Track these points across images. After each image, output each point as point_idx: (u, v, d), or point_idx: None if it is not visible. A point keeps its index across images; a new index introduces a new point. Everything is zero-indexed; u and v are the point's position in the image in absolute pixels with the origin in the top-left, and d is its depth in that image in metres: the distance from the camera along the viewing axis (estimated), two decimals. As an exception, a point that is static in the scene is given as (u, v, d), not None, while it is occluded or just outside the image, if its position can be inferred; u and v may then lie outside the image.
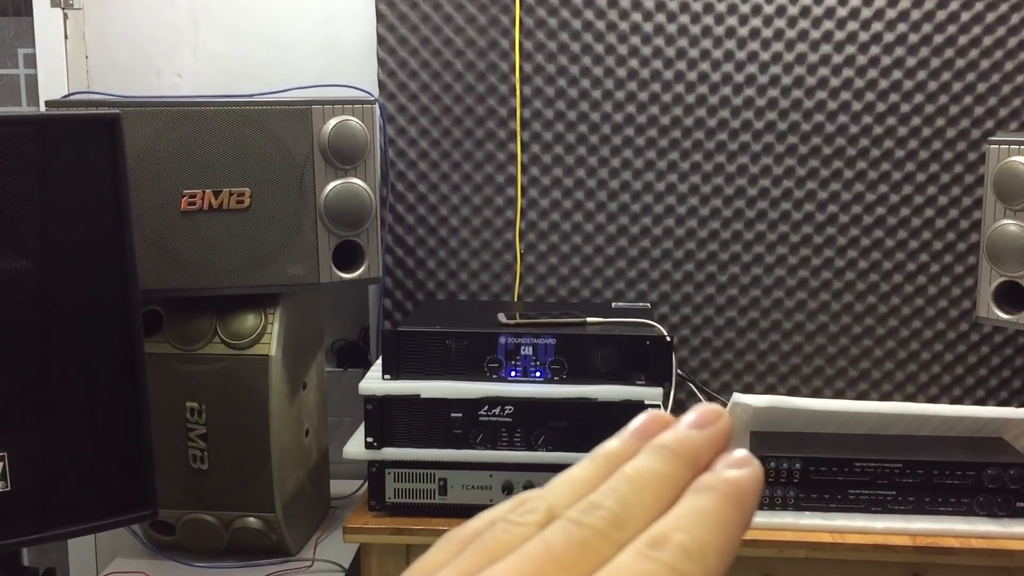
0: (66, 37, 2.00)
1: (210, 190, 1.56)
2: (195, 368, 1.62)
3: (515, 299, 1.99)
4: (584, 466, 0.30)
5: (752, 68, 1.90)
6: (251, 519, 1.64)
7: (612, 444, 0.30)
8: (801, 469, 1.47)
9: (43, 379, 1.18)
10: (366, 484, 1.52)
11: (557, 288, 1.99)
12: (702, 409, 0.30)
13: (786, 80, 1.90)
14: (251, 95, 1.73)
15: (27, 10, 2.00)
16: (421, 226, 1.99)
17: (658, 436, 0.29)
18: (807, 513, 1.47)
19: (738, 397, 1.50)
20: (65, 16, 1.99)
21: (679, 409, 1.93)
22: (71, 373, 1.20)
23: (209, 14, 2.00)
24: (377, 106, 1.62)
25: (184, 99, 1.56)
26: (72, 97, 1.78)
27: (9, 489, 1.15)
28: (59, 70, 2.00)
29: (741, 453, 0.29)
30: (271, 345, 1.62)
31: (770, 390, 1.97)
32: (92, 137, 1.18)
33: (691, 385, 1.93)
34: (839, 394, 1.97)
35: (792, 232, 1.94)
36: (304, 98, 1.62)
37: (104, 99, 1.65)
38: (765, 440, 1.52)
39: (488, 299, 2.00)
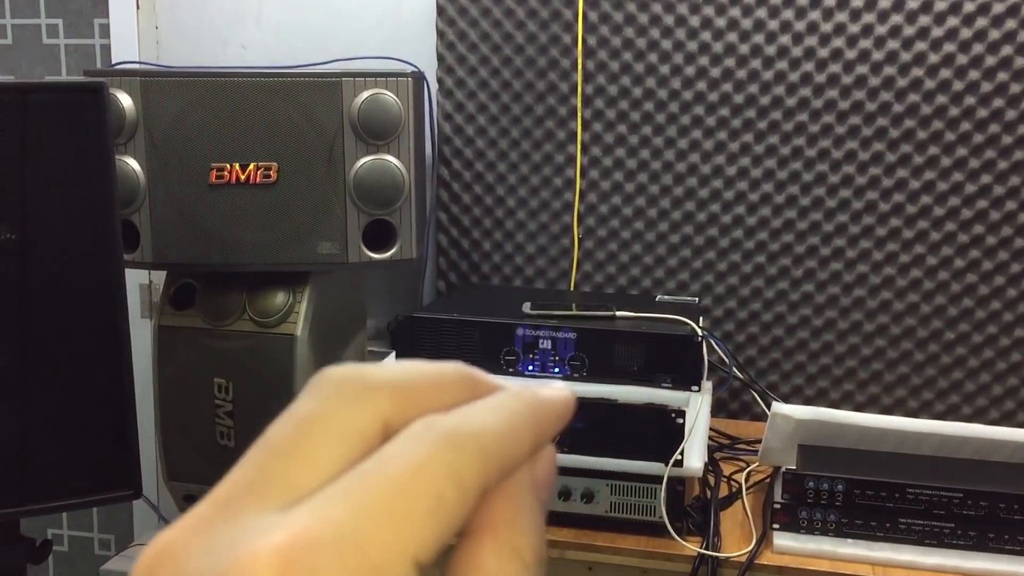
0: (138, 8, 2.01)
1: (238, 164, 1.53)
2: (224, 344, 1.60)
3: (571, 286, 1.88)
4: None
5: (839, 41, 1.71)
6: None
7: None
8: (844, 491, 1.31)
9: (24, 353, 1.16)
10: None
11: (616, 276, 1.87)
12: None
13: (861, 69, 1.70)
14: (283, 67, 1.68)
15: (103, -19, 2.03)
16: (477, 206, 1.91)
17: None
18: (848, 541, 1.31)
19: (779, 407, 1.35)
20: (137, -14, 2.01)
21: (721, 410, 1.79)
22: (53, 347, 1.18)
23: (274, -16, 1.97)
24: (412, 80, 1.54)
25: (215, 70, 1.52)
26: (116, 67, 1.78)
27: (-12, 458, 1.14)
28: (131, 40, 2.02)
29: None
30: (298, 324, 1.58)
31: (843, 398, 1.79)
32: (77, 106, 1.15)
33: (748, 387, 1.77)
34: (899, 403, 1.78)
35: (852, 223, 1.75)
36: (337, 70, 1.55)
37: (141, 69, 1.64)
38: (809, 456, 1.37)
39: (544, 285, 1.90)
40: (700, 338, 1.33)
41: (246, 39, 1.99)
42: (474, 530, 0.25)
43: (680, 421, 1.31)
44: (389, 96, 1.54)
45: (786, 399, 1.81)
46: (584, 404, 1.36)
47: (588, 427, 1.35)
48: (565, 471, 1.36)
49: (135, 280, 2.07)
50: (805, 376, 1.81)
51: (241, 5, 1.99)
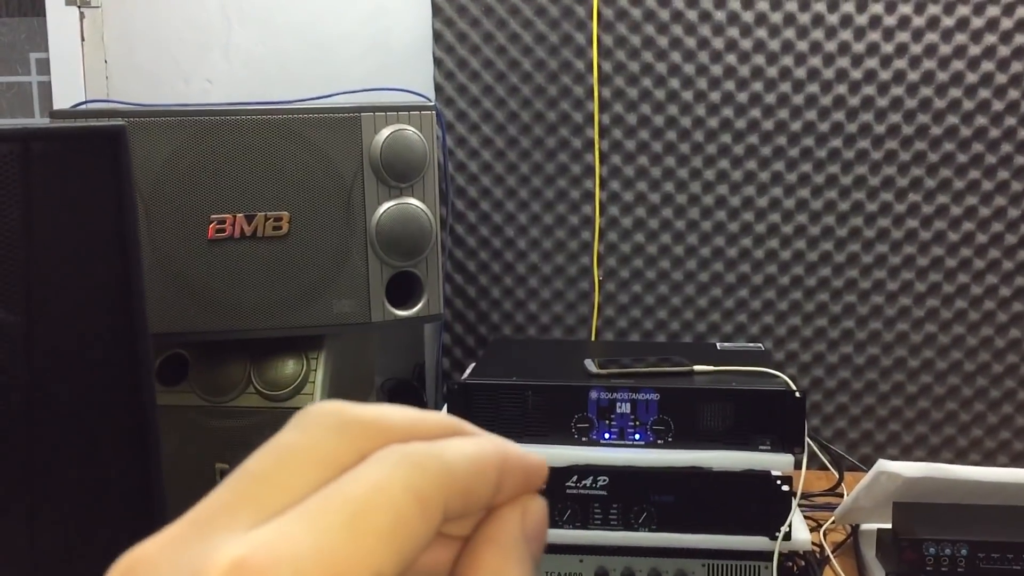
0: (83, 39, 1.77)
1: (242, 214, 1.32)
2: (226, 423, 1.38)
3: (592, 334, 1.72)
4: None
5: (872, 63, 1.62)
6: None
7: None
8: (968, 556, 1.18)
9: (32, 460, 0.94)
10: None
11: (641, 321, 1.72)
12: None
13: (912, 76, 1.61)
14: (288, 102, 1.49)
15: (39, 10, 1.78)
16: (484, 249, 1.73)
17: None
18: (976, 611, 1.18)
19: (886, 465, 1.22)
20: (82, 16, 1.77)
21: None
22: (67, 451, 0.96)
23: (242, 11, 1.76)
24: (434, 114, 1.36)
25: (211, 107, 1.32)
26: (84, 106, 1.54)
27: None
28: (75, 76, 1.77)
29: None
30: (314, 395, 1.37)
31: (905, 452, 1.68)
32: (90, 155, 0.94)
33: (812, 446, 1.64)
34: (948, 443, 1.67)
35: (920, 255, 1.65)
36: (352, 104, 1.36)
37: (120, 108, 1.42)
38: (917, 516, 1.24)
39: (562, 334, 1.74)
40: (802, 394, 1.19)
41: (212, 73, 1.78)
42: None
43: (786, 488, 1.17)
44: (412, 132, 1.36)
45: (855, 444, 1.68)
46: (673, 474, 1.20)
47: (678, 500, 1.19)
48: (653, 551, 1.20)
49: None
50: (875, 420, 1.69)
51: (205, 35, 1.77)
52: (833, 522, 1.42)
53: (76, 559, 0.99)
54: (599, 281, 1.71)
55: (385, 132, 1.34)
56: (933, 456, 1.65)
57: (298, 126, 1.32)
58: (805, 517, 1.48)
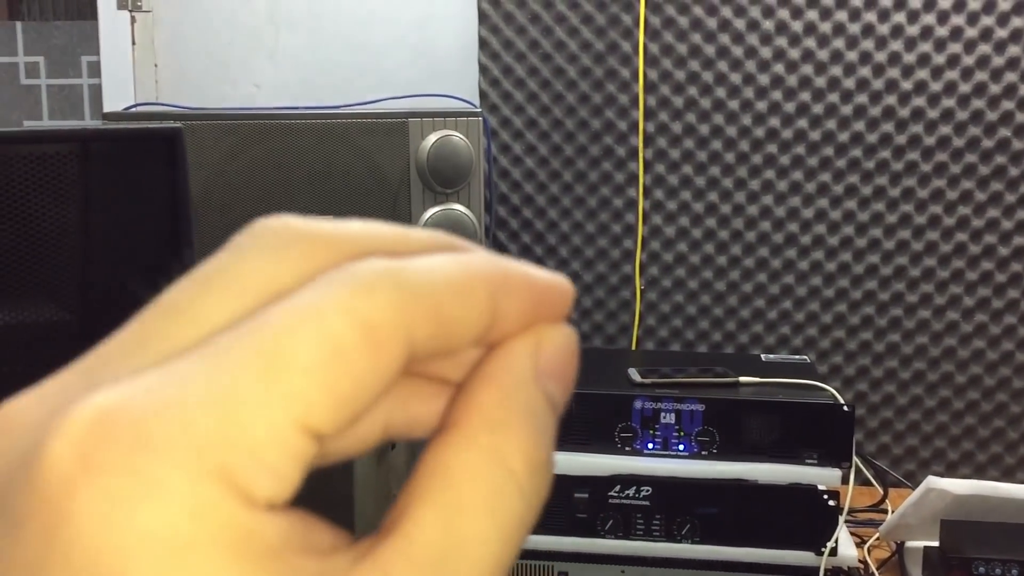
0: (134, 43, 1.79)
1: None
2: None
3: (633, 343, 1.71)
4: None
5: (923, 73, 1.60)
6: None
7: None
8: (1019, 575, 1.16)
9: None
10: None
11: (683, 331, 1.71)
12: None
13: (964, 87, 1.59)
14: (337, 106, 1.49)
15: (92, 13, 1.80)
16: (526, 256, 1.73)
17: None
18: (1026, 632, 1.16)
19: (934, 481, 1.20)
20: (133, 19, 1.79)
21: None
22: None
23: (291, 16, 1.78)
24: (480, 120, 1.36)
25: (261, 111, 1.33)
26: (136, 109, 1.56)
27: None
28: (126, 79, 1.79)
29: None
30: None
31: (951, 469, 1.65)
32: (147, 156, 0.95)
33: (857, 461, 1.62)
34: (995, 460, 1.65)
35: (969, 268, 1.63)
36: (399, 109, 1.37)
37: (172, 111, 1.43)
38: (965, 534, 1.22)
39: (602, 343, 1.73)
40: (850, 407, 1.17)
41: (259, 77, 1.79)
42: (447, 425, 0.19)
43: (832, 503, 1.15)
44: (459, 138, 1.36)
45: (899, 460, 1.66)
46: (718, 486, 1.19)
47: (723, 512, 1.18)
48: (696, 564, 1.19)
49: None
50: (920, 436, 1.67)
51: (253, 40, 1.79)
52: (878, 538, 1.40)
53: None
54: (641, 290, 1.71)
55: (432, 138, 1.34)
56: (979, 474, 1.62)
57: (346, 130, 1.33)
58: (850, 533, 1.46)
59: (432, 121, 1.35)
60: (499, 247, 1.72)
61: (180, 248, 0.98)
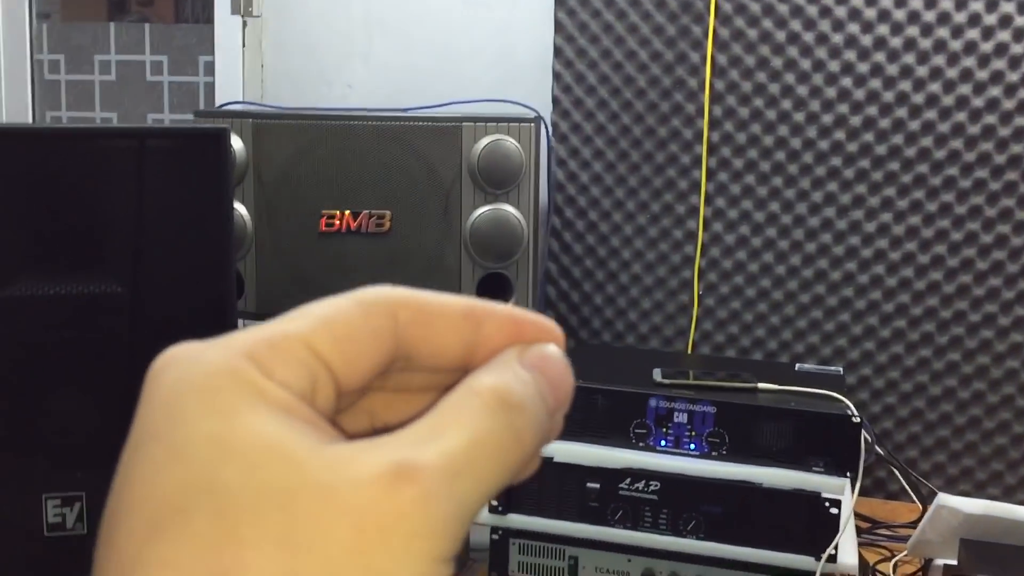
0: (244, 45, 1.96)
1: (349, 211, 1.44)
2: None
3: (689, 347, 1.75)
4: None
5: (995, 91, 1.57)
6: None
7: None
8: (1023, 599, 1.15)
9: (128, 415, 1.08)
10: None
11: (739, 337, 1.74)
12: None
13: (1021, 121, 1.56)
14: (415, 108, 1.60)
15: (209, 17, 1.98)
16: (589, 257, 1.80)
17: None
18: (1028, 657, 1.15)
19: (945, 499, 1.20)
20: (244, 24, 1.96)
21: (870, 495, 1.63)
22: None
23: (383, 23, 1.90)
24: (534, 126, 1.44)
25: (330, 111, 1.45)
26: (226, 107, 1.72)
27: (86, 532, 1.06)
28: (235, 78, 1.96)
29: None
30: (405, 382, 1.48)
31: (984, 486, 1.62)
32: (197, 153, 1.08)
33: (894, 470, 1.62)
34: None
35: (1006, 287, 1.60)
36: (455, 114, 1.47)
37: (252, 110, 1.57)
38: (975, 553, 1.22)
39: (658, 345, 1.78)
40: (858, 419, 1.19)
41: (352, 78, 1.93)
42: None
43: (835, 511, 1.18)
44: (510, 143, 1.44)
45: (926, 477, 1.65)
46: (723, 486, 1.23)
47: (726, 512, 1.22)
48: (700, 559, 1.23)
49: (230, 324, 2.00)
50: (948, 452, 1.65)
51: (349, 45, 1.92)
52: (906, 554, 1.40)
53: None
54: (699, 295, 1.75)
55: (484, 141, 1.43)
56: (1008, 495, 1.59)
57: (404, 132, 1.43)
58: (880, 547, 1.47)
59: (485, 126, 1.44)
60: (564, 247, 1.80)
61: (221, 233, 1.10)
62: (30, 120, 2.09)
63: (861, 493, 1.69)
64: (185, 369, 0.23)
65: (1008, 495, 1.60)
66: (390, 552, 0.21)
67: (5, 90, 2.13)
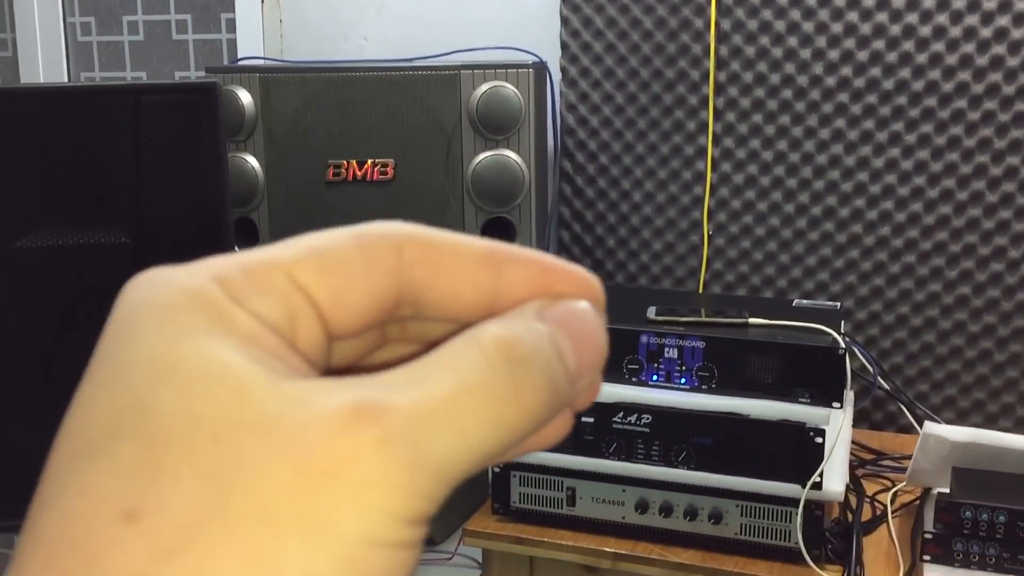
0: (263, 2, 2.00)
1: (355, 160, 1.49)
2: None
3: (700, 286, 1.77)
4: None
5: (1004, 19, 1.55)
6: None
7: None
8: (1007, 523, 1.17)
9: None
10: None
11: (749, 276, 1.75)
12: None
13: (1047, 34, 1.53)
14: (419, 58, 1.64)
15: (229, -25, 2.03)
16: (601, 200, 1.82)
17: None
18: (1010, 579, 1.18)
19: (932, 428, 1.22)
20: (262, -20, 2.00)
21: (863, 421, 1.65)
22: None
23: (396, -26, 1.93)
24: (533, 71, 1.46)
25: (335, 63, 1.49)
26: (237, 63, 1.77)
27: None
28: (255, 34, 2.01)
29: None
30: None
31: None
32: (190, 107, 1.13)
33: (894, 397, 1.63)
34: None
35: (1015, 219, 1.58)
36: (456, 63, 1.50)
37: (260, 64, 1.63)
38: (965, 480, 1.24)
39: (670, 286, 1.80)
40: (843, 350, 1.22)
41: (368, 31, 1.96)
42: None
43: (819, 440, 1.21)
44: (509, 89, 1.47)
45: (937, 411, 1.66)
46: (713, 418, 1.26)
47: (717, 443, 1.26)
48: (691, 488, 1.27)
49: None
50: (959, 386, 1.66)
51: (363, -3, 1.96)
52: (905, 484, 1.42)
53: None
54: (708, 235, 1.76)
55: (482, 88, 1.46)
56: (1020, 427, 1.59)
57: (406, 82, 1.47)
58: (883, 478, 1.49)
59: (483, 73, 1.47)
60: (576, 191, 1.82)
61: (218, 184, 1.16)
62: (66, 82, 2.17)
63: (872, 427, 1.72)
64: (147, 290, 0.21)
65: (1020, 427, 1.61)
66: (333, 499, 0.18)
67: (42, 53, 2.21)
